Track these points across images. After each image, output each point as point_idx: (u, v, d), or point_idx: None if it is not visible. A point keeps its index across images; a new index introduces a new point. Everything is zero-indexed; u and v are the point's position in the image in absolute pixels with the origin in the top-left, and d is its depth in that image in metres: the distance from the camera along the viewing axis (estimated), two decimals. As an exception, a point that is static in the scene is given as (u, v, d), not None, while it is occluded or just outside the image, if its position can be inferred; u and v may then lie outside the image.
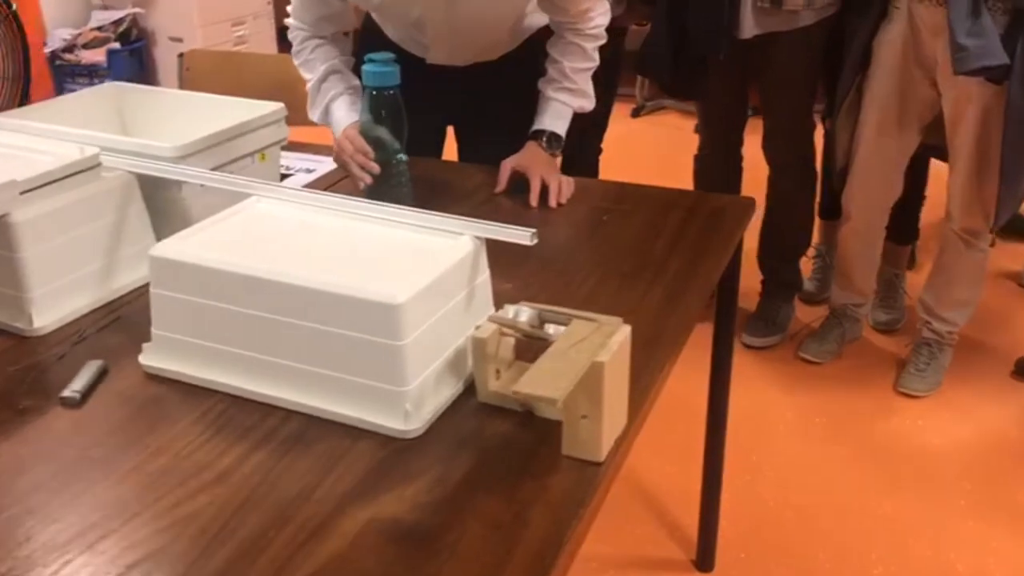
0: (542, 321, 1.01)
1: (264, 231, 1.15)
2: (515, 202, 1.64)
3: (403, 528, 0.89)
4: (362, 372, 1.02)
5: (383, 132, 1.54)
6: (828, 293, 2.77)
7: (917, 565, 1.91)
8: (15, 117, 1.45)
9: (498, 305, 1.14)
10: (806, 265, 2.84)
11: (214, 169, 1.38)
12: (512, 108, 1.78)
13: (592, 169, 2.75)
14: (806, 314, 2.81)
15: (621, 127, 4.25)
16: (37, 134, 1.37)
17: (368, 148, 1.56)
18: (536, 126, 1.72)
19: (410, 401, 1.00)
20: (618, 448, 1.00)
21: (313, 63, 1.72)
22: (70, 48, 4.26)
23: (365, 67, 1.51)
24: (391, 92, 1.52)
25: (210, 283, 1.06)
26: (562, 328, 0.99)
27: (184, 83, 2.52)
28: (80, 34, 4.28)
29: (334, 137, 1.66)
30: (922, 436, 2.31)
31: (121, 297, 1.31)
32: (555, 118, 1.72)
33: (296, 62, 1.74)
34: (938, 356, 2.48)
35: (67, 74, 4.32)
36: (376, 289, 0.99)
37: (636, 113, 4.55)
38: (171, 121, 1.55)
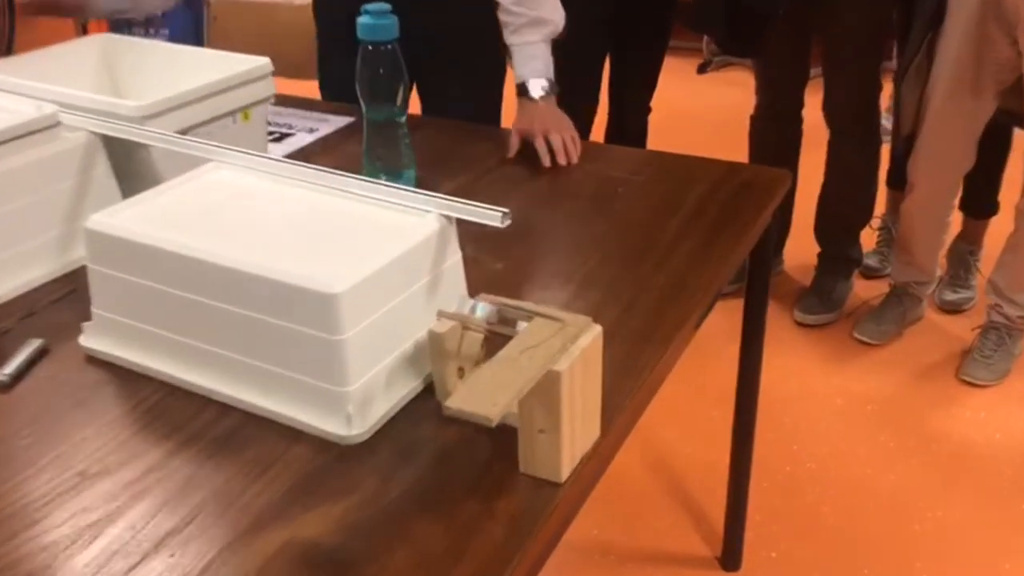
0: (502, 318, 0.88)
1: (215, 202, 1.03)
2: (524, 168, 1.50)
3: (320, 553, 0.78)
4: (300, 368, 0.90)
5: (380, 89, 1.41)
6: (890, 268, 2.58)
7: (966, 577, 1.75)
8: (-12, 70, 1.36)
9: (482, 289, 1.02)
10: (868, 237, 2.64)
11: (188, 130, 1.27)
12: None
13: (639, 133, 2.58)
14: (865, 290, 2.61)
15: (682, 85, 4.05)
16: (-1, 89, 1.28)
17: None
18: (516, 81, 1.59)
19: (353, 403, 0.89)
20: (585, 465, 0.87)
21: None
22: (124, -3, 4.20)
23: (360, 19, 1.38)
24: (389, 46, 1.39)
25: (144, 261, 0.96)
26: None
27: (212, 34, 2.42)
28: (134, -17, 4.22)
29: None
30: (983, 431, 2.11)
31: (82, 268, 1.21)
32: (527, 61, 1.57)
33: None
34: (1007, 343, 2.27)
35: (123, 25, 4.27)
36: (313, 275, 0.87)
37: (702, 69, 4.31)
38: (160, 76, 1.45)
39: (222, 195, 1.05)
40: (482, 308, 0.87)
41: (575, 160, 1.52)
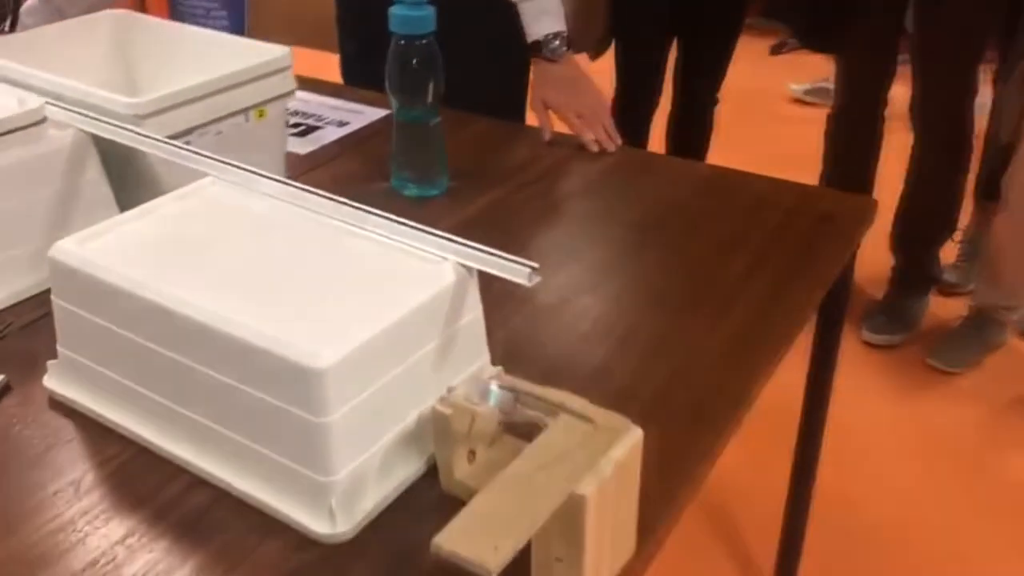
0: (519, 407, 0.72)
1: (201, 230, 0.89)
2: (565, 180, 1.34)
3: None
4: (276, 448, 0.76)
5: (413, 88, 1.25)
6: (971, 286, 2.36)
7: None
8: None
9: (504, 340, 0.87)
10: (949, 250, 2.42)
11: (194, 129, 1.13)
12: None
13: (703, 127, 2.39)
14: (941, 307, 2.40)
15: (752, 68, 3.81)
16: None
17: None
18: (529, 40, 1.44)
19: (336, 496, 0.74)
20: (618, 588, 0.71)
21: None
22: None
23: (393, 9, 1.22)
24: (424, 40, 1.23)
25: (107, 301, 0.82)
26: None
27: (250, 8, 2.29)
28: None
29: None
30: (1070, 481, 1.92)
31: (65, 283, 1.08)
32: (537, 17, 1.42)
33: None
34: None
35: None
36: (295, 342, 0.72)
37: (776, 50, 4.06)
38: (174, 62, 1.31)
39: (211, 221, 0.90)
40: (496, 394, 0.71)
41: (618, 143, 1.40)
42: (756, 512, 1.81)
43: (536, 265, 0.79)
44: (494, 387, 0.71)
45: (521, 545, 0.58)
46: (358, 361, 0.73)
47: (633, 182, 1.35)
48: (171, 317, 0.77)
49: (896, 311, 2.34)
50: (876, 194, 2.10)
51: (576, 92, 1.43)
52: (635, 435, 0.68)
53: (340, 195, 0.89)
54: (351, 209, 0.89)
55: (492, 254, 0.81)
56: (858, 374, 2.19)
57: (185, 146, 1.00)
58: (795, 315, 1.04)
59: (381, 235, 0.86)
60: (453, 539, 0.58)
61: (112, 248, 0.85)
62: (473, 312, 0.84)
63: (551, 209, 1.28)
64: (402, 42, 1.23)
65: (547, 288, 1.08)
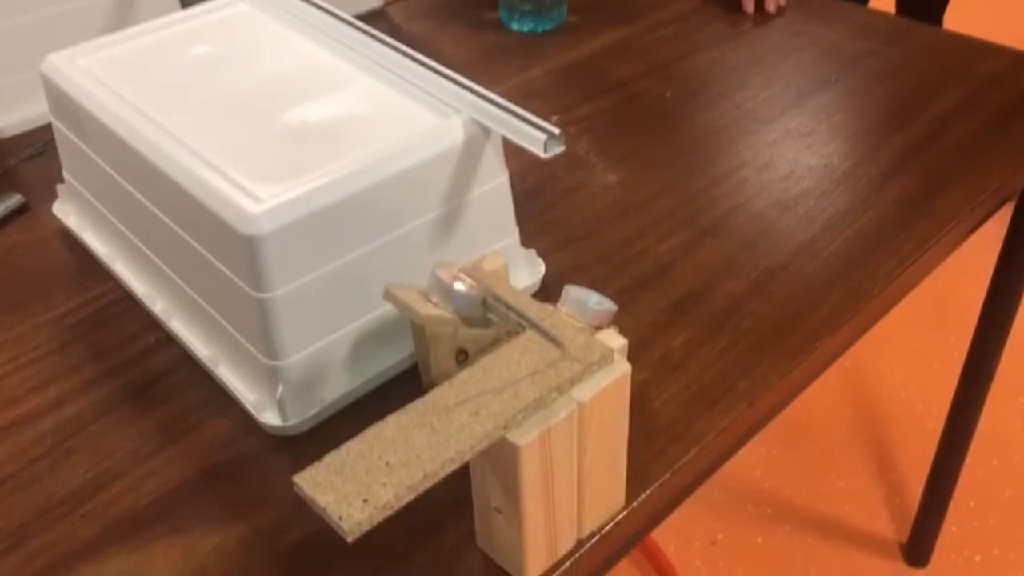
0: (487, 311, 0.56)
1: (207, 55, 0.76)
2: (708, 21, 1.11)
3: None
4: (232, 321, 0.65)
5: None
6: None
7: None
8: None
9: (576, 213, 0.71)
10: None
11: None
12: None
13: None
14: None
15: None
16: None
17: None
18: None
19: (286, 384, 0.63)
20: (589, 555, 0.57)
21: None
22: None
23: None
24: None
25: (88, 126, 0.72)
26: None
27: None
28: None
29: None
30: None
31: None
32: None
33: None
34: None
35: None
36: (236, 201, 0.59)
37: None
38: None
39: (224, 45, 0.77)
40: (461, 294, 0.56)
41: (782, 2, 1.14)
42: (913, 433, 1.58)
43: (557, 131, 0.62)
44: (459, 284, 0.56)
45: (404, 501, 0.44)
46: (314, 229, 0.60)
47: (799, 27, 1.10)
48: (126, 149, 0.66)
49: None
50: None
51: None
52: (615, 372, 0.51)
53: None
54: (381, 46, 0.73)
55: (511, 111, 0.64)
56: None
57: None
58: (964, 208, 0.81)
59: (402, 78, 0.71)
60: (316, 481, 0.45)
61: (103, 66, 0.74)
62: (493, 180, 0.68)
63: (685, 55, 1.06)
64: None
65: (652, 150, 0.89)
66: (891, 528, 1.46)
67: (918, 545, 1.42)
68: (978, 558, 1.41)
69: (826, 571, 1.40)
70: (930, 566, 1.41)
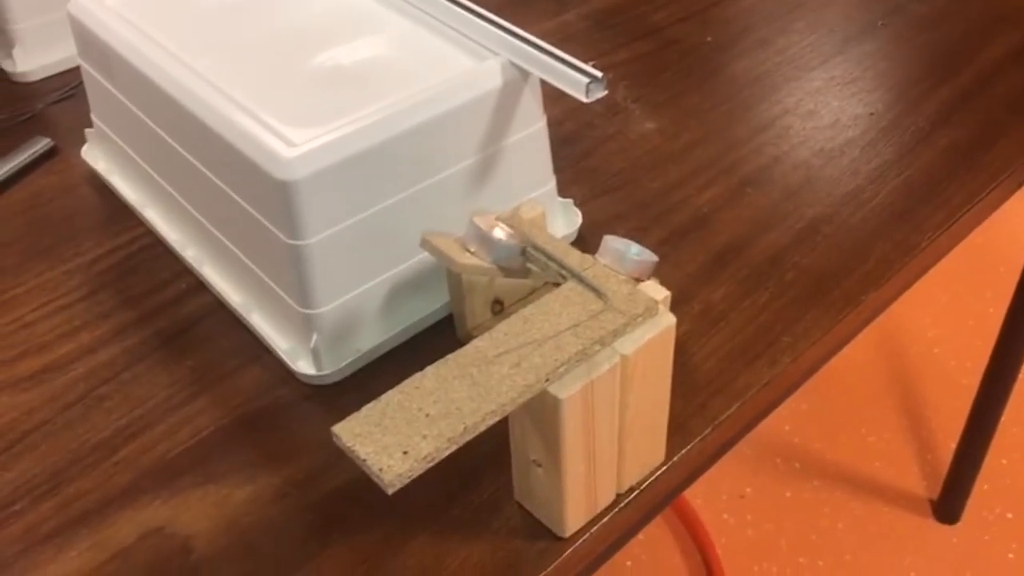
0: (526, 261, 0.55)
1: (242, -7, 0.74)
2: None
3: (178, 567, 0.54)
4: (266, 269, 0.64)
5: None
6: None
7: None
8: None
9: (614, 161, 0.69)
10: None
11: None
12: None
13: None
14: None
15: None
16: None
17: None
18: None
19: (321, 333, 0.62)
20: (624, 511, 0.56)
21: None
22: None
23: None
24: None
25: (116, 68, 0.71)
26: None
27: None
28: None
29: None
30: None
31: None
32: None
33: None
34: None
35: None
36: (270, 146, 0.57)
37: None
38: None
39: (257, -18, 0.76)
40: (501, 243, 0.54)
41: None
42: (949, 388, 1.56)
43: (600, 75, 0.60)
44: (497, 234, 0.54)
45: (445, 454, 0.43)
46: (349, 175, 0.58)
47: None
48: (156, 91, 0.65)
49: None
50: None
51: None
52: (660, 325, 0.50)
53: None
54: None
55: (553, 55, 0.62)
56: None
57: None
58: (998, 174, 0.79)
59: (437, 19, 0.69)
60: (355, 432, 0.44)
61: (133, 6, 0.72)
62: (531, 126, 0.66)
63: (721, 1, 1.03)
64: None
65: (690, 97, 0.87)
66: (921, 485, 1.45)
67: (948, 502, 1.41)
68: (1010, 515, 1.40)
69: (855, 526, 1.39)
70: (960, 523, 1.40)
